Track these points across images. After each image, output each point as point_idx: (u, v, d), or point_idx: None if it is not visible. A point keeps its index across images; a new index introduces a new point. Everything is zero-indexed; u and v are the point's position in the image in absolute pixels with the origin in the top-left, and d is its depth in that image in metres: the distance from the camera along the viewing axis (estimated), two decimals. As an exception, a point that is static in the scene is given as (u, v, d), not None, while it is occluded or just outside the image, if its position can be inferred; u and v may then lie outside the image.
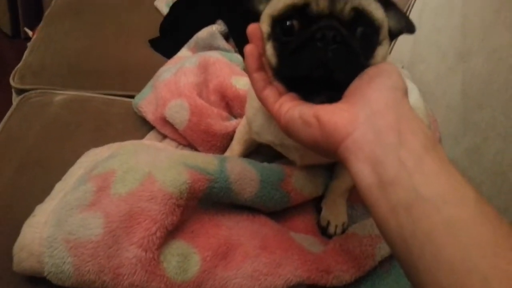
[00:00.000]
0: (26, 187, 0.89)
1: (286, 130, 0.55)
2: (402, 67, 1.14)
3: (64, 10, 1.56)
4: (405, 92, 0.52)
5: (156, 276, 0.66)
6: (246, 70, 0.61)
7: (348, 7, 0.56)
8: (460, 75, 0.97)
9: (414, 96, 0.94)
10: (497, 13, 0.85)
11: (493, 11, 0.87)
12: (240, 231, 0.74)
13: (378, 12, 0.58)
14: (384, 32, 0.61)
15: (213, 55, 1.11)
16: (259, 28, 0.61)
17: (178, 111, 0.98)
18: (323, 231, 0.84)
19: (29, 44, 1.42)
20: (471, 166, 0.92)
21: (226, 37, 1.33)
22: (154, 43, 1.41)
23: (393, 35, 0.64)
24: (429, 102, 1.07)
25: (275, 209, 0.81)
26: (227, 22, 1.35)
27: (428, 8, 1.13)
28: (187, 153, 0.79)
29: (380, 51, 0.60)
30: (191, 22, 1.39)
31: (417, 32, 1.21)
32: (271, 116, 0.59)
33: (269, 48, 0.60)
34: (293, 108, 0.55)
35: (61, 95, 1.16)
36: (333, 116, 0.49)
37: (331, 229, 0.83)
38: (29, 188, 0.88)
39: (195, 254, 0.70)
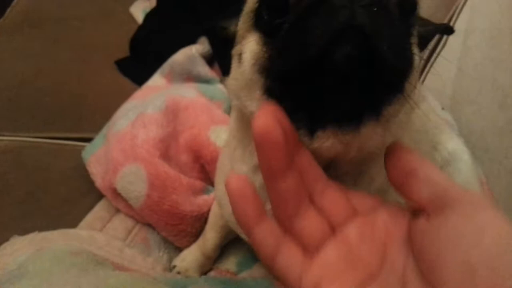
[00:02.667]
0: None
1: None
2: (442, 109, 0.85)
3: (19, 22, 1.27)
4: None
5: None
6: (241, 226, 0.34)
7: None
8: (531, 133, 0.68)
9: (464, 166, 0.66)
10: None
11: None
12: None
13: None
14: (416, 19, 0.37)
15: (187, 94, 0.83)
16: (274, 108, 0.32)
17: (133, 182, 0.71)
18: None
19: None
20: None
21: (211, 59, 1.04)
22: (122, 65, 1.14)
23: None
24: (483, 160, 0.79)
25: None
26: (211, 41, 1.06)
27: (478, 30, 0.83)
28: (126, 280, 0.51)
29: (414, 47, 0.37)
30: (167, 38, 1.11)
31: (462, 60, 0.93)
32: None
33: (253, 45, 0.36)
34: None
35: (-8, 144, 0.89)
36: None
37: None
38: None
39: None
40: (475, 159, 0.75)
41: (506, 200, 0.71)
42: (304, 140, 0.33)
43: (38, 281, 0.51)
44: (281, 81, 0.33)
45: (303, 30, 0.31)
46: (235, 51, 0.41)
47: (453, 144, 0.68)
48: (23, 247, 0.65)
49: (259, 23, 0.37)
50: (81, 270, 0.53)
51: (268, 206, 0.33)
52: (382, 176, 0.39)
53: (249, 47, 0.37)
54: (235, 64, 0.40)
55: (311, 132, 0.33)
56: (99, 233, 0.70)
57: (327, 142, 0.33)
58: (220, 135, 0.76)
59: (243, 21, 0.40)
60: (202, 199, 0.71)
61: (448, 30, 0.48)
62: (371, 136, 0.34)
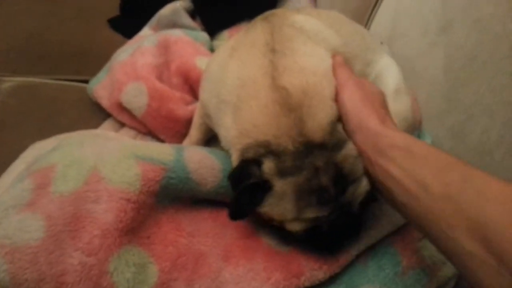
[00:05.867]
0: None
1: None
2: (381, 43, 1.06)
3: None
4: None
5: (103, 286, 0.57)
6: None
7: None
8: (442, 50, 0.90)
9: (393, 73, 0.86)
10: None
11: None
12: (201, 238, 0.65)
13: None
14: None
15: (175, 33, 1.01)
16: None
17: (136, 96, 0.88)
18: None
19: (-24, 26, 1.29)
20: (456, 146, 0.87)
21: (192, 14, 1.22)
22: (114, 23, 1.30)
23: None
24: (410, 79, 1.00)
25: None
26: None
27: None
28: (140, 143, 0.70)
29: None
30: (154, -1, 1.28)
31: (398, 3, 1.14)
32: None
33: None
34: None
35: (9, 82, 1.05)
36: None
37: None
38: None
39: (152, 264, 0.61)
40: (405, 78, 0.96)
41: (425, 105, 0.93)
42: None
43: (72, 147, 0.68)
44: None
45: None
46: None
47: (383, 61, 0.88)
48: (49, 143, 0.82)
49: None
50: (106, 140, 0.70)
51: None
52: None
53: None
54: None
55: None
56: (111, 132, 0.87)
57: None
58: (204, 62, 0.94)
59: None
60: (192, 107, 0.89)
61: None
62: None
